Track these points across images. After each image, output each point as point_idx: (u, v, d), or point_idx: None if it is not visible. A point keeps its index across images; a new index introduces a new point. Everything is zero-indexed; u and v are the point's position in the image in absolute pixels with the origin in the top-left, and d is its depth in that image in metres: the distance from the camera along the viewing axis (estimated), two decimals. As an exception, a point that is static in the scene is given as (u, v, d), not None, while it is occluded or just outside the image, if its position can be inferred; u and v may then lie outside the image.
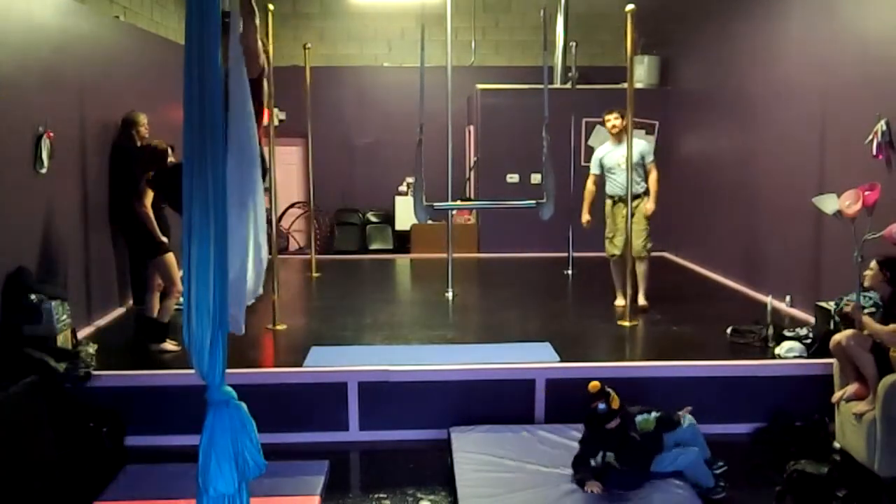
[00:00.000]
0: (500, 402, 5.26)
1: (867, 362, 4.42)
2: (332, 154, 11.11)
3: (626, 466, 4.19)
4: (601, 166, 7.21)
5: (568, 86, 9.68)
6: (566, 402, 5.21)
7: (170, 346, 5.83)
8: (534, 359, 5.55)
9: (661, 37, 10.29)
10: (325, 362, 5.51)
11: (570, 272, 9.14)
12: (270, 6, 6.94)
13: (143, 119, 7.09)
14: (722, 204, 8.65)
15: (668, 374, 5.38)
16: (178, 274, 5.78)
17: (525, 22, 11.64)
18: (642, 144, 7.19)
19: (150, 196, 5.81)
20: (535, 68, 9.29)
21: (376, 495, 4.45)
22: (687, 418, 4.49)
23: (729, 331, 6.10)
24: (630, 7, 6.39)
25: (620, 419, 4.19)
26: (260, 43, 3.46)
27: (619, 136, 7.01)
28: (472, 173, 11.08)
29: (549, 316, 7.07)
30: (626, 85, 6.68)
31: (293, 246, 11.61)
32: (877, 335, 4.44)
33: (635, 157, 6.85)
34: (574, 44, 9.63)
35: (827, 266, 6.41)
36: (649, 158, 7.08)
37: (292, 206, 11.57)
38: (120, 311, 7.15)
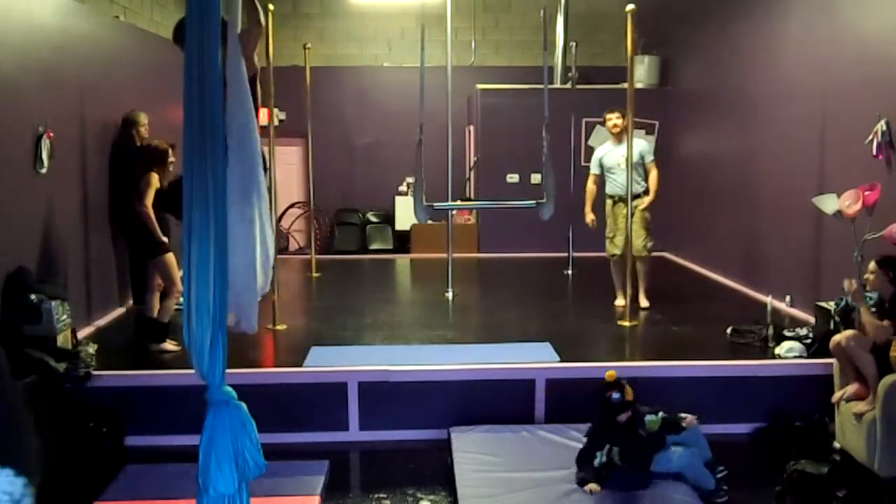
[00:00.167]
0: (500, 402, 5.26)
1: (867, 362, 4.42)
2: (332, 154, 11.11)
3: (628, 464, 4.18)
4: (601, 166, 7.21)
5: (568, 86, 9.67)
6: (566, 402, 5.22)
7: (170, 346, 5.83)
8: (534, 359, 5.55)
9: (661, 37, 10.29)
10: (325, 362, 5.51)
11: (570, 272, 9.14)
12: (270, 6, 6.93)
13: (143, 119, 7.09)
14: (722, 204, 8.65)
15: (668, 374, 5.38)
16: (178, 274, 5.78)
17: (525, 22, 11.64)
18: (642, 144, 7.20)
19: (150, 196, 5.82)
20: (535, 68, 9.29)
21: (376, 495, 4.45)
22: (683, 416, 4.48)
23: (729, 331, 6.10)
24: (630, 7, 6.39)
25: (632, 413, 4.19)
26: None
27: (619, 135, 7.02)
28: (472, 173, 11.08)
29: (549, 316, 7.07)
30: (626, 85, 6.68)
31: (293, 246, 11.61)
32: (867, 324, 4.46)
33: (635, 157, 6.86)
34: (574, 44, 9.63)
35: (827, 266, 6.41)
36: (649, 158, 7.09)
37: (292, 206, 11.58)
38: (120, 311, 7.15)
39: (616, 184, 7.05)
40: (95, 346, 5.50)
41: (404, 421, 5.26)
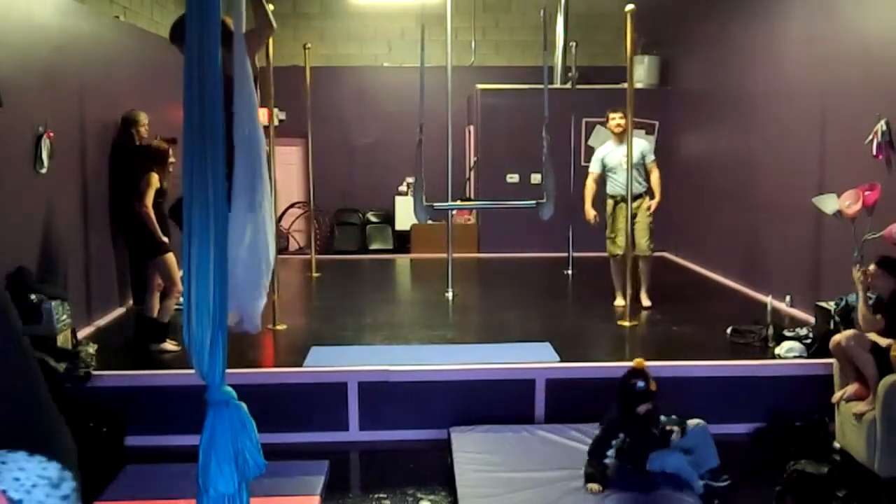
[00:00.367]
0: (500, 402, 5.26)
1: (867, 362, 4.42)
2: (332, 154, 11.11)
3: (628, 460, 4.17)
4: (603, 166, 7.20)
5: (568, 86, 9.67)
6: (566, 402, 5.23)
7: (170, 346, 5.82)
8: (534, 359, 5.55)
9: (661, 37, 10.29)
10: (325, 362, 5.51)
11: (570, 272, 9.14)
12: (270, 6, 6.92)
13: (143, 118, 7.09)
14: (722, 204, 8.65)
15: (668, 374, 5.36)
16: (178, 274, 5.78)
17: (525, 22, 11.64)
18: (643, 144, 7.20)
19: (150, 196, 5.82)
20: (535, 68, 9.29)
21: (376, 495, 4.45)
22: (693, 423, 4.42)
23: (729, 331, 6.10)
24: (630, 7, 6.39)
25: (651, 407, 4.14)
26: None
27: (621, 135, 7.01)
28: (472, 173, 11.08)
29: (549, 316, 7.07)
30: (626, 85, 6.68)
31: (293, 246, 11.61)
32: (861, 315, 4.51)
33: (636, 157, 6.86)
34: (574, 44, 9.64)
35: (827, 266, 6.41)
36: (650, 158, 7.09)
37: (292, 206, 11.58)
38: (120, 311, 7.15)
39: (618, 184, 7.05)
40: (95, 346, 5.50)
41: (404, 421, 5.26)
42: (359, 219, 11.69)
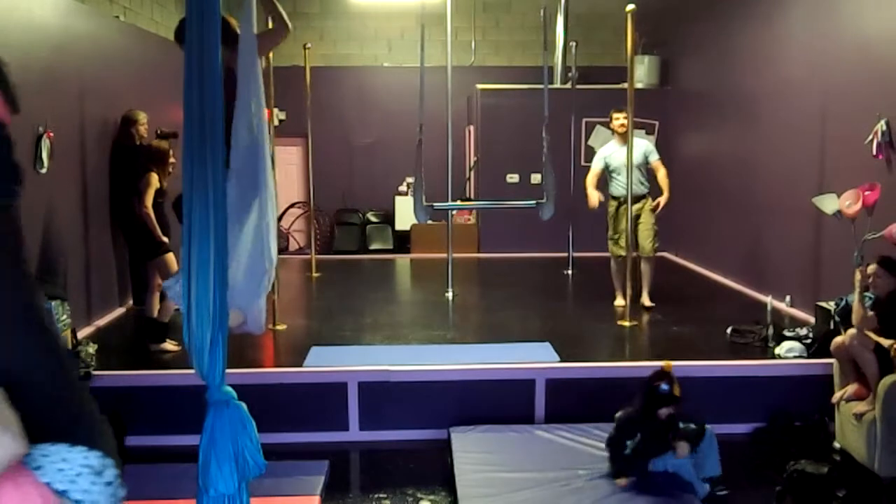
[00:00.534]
0: (500, 402, 5.25)
1: (869, 362, 4.42)
2: (332, 154, 11.11)
3: (641, 459, 4.15)
4: (606, 166, 7.16)
5: (568, 86, 9.68)
6: (566, 402, 5.23)
7: (170, 346, 5.83)
8: (534, 359, 5.55)
9: (661, 37, 10.29)
10: (325, 362, 5.51)
11: (570, 272, 9.14)
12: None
13: (142, 117, 7.09)
14: (722, 204, 8.65)
15: (668, 374, 5.38)
16: (178, 274, 5.77)
17: (525, 22, 11.64)
18: (645, 144, 7.20)
19: (150, 196, 5.82)
20: (535, 68, 9.29)
21: (376, 495, 4.45)
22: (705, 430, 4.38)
23: (729, 331, 6.10)
24: (630, 7, 6.39)
25: (674, 412, 4.08)
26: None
27: (625, 135, 6.97)
28: (472, 173, 11.08)
29: (549, 316, 7.07)
30: (626, 85, 6.68)
31: (293, 246, 11.61)
32: (855, 311, 4.53)
33: (639, 157, 6.86)
34: (574, 44, 9.64)
35: (827, 266, 6.41)
36: (654, 157, 7.07)
37: (292, 206, 11.58)
38: (120, 311, 7.15)
39: (622, 185, 6.98)
40: (95, 346, 5.50)
41: (404, 421, 5.26)
42: (359, 219, 11.69)
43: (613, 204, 7.15)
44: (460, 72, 9.66)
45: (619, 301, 7.11)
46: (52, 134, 5.72)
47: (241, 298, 3.04)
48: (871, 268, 4.60)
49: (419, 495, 4.44)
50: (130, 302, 7.30)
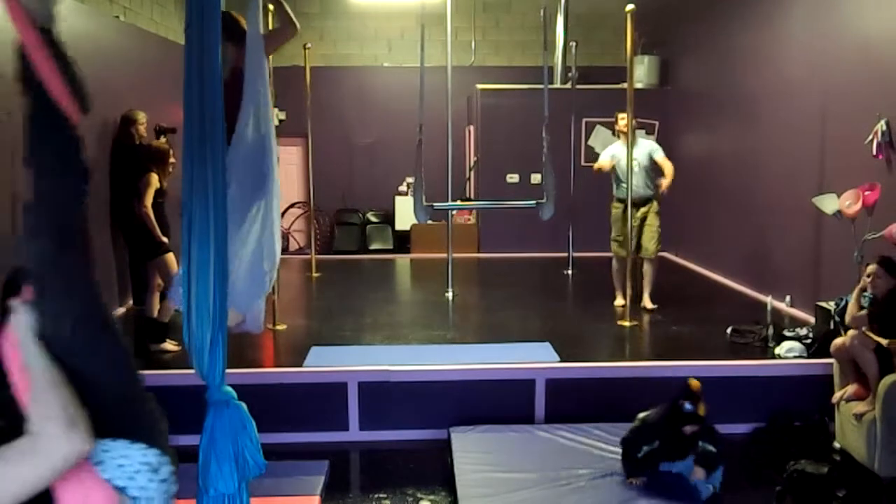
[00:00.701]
0: (500, 402, 5.25)
1: (870, 362, 4.42)
2: (332, 154, 11.12)
3: (653, 461, 4.15)
4: (614, 165, 7.10)
5: (568, 86, 9.67)
6: (566, 402, 5.23)
7: (170, 346, 5.82)
8: (534, 359, 5.55)
9: (661, 37, 10.29)
10: (325, 362, 5.51)
11: (570, 272, 9.15)
12: (270, 6, 6.93)
13: (142, 117, 7.09)
14: (722, 204, 8.66)
15: (668, 374, 5.37)
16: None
17: (525, 22, 11.64)
18: (649, 143, 7.18)
19: (150, 196, 5.82)
20: (535, 68, 9.28)
21: (376, 495, 4.45)
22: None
23: (729, 331, 6.10)
24: (630, 7, 6.39)
25: (699, 429, 4.00)
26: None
27: (630, 136, 6.91)
28: (472, 173, 11.08)
29: (549, 316, 7.07)
30: (626, 85, 6.68)
31: (293, 246, 11.61)
32: (849, 309, 4.59)
33: (644, 158, 6.85)
34: (574, 44, 9.64)
35: (827, 266, 6.41)
36: (659, 154, 7.03)
37: (292, 206, 11.58)
38: (120, 311, 7.15)
39: (629, 187, 6.95)
40: (95, 346, 5.49)
41: (404, 421, 5.26)
42: (359, 219, 11.69)
43: (619, 206, 7.11)
44: (460, 72, 9.66)
45: (619, 301, 7.11)
46: (52, 134, 5.71)
47: (242, 298, 3.04)
48: (871, 267, 4.61)
49: (419, 495, 4.44)
50: (130, 302, 7.30)
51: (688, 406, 3.93)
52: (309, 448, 5.00)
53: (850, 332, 4.61)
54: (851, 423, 4.53)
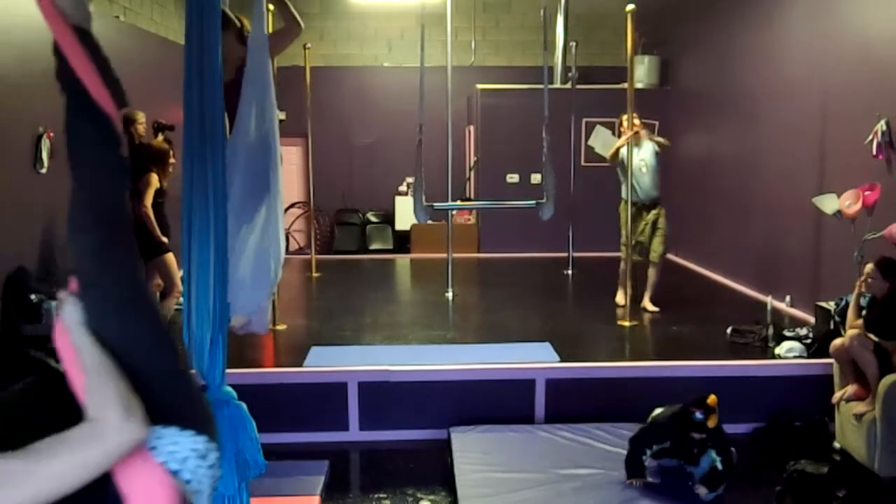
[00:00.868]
0: (500, 402, 5.25)
1: (869, 362, 4.42)
2: (332, 154, 11.12)
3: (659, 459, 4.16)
4: (624, 168, 7.08)
5: (568, 86, 9.67)
6: (566, 402, 5.23)
7: (170, 346, 5.81)
8: (534, 359, 5.55)
9: (661, 37, 10.29)
10: (325, 362, 5.51)
11: (570, 272, 9.14)
12: (270, 6, 6.93)
13: (140, 117, 7.07)
14: (722, 204, 8.65)
15: (668, 374, 5.38)
16: (178, 274, 5.78)
17: (525, 22, 11.64)
18: (650, 143, 7.16)
19: (149, 196, 5.82)
20: (535, 68, 9.28)
21: (376, 495, 4.45)
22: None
23: (729, 331, 6.09)
24: (630, 7, 6.39)
25: (708, 437, 4.03)
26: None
27: (636, 136, 6.90)
28: (472, 173, 11.08)
29: (549, 316, 7.07)
30: (626, 85, 6.68)
31: (293, 246, 11.61)
32: (849, 312, 4.60)
33: (651, 158, 6.86)
34: (574, 44, 9.64)
35: (827, 266, 6.41)
36: (655, 141, 7.05)
37: (292, 206, 11.58)
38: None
39: (638, 190, 6.92)
40: (95, 346, 5.48)
41: (404, 421, 5.26)
42: (359, 219, 11.69)
43: (632, 209, 7.00)
44: (460, 72, 9.66)
45: (620, 299, 7.10)
46: (52, 134, 5.72)
47: (247, 298, 3.04)
48: (868, 268, 4.61)
49: (419, 495, 4.44)
50: (130, 302, 7.28)
51: (698, 415, 3.97)
52: (309, 448, 5.00)
53: (849, 333, 4.61)
54: (851, 423, 4.53)
